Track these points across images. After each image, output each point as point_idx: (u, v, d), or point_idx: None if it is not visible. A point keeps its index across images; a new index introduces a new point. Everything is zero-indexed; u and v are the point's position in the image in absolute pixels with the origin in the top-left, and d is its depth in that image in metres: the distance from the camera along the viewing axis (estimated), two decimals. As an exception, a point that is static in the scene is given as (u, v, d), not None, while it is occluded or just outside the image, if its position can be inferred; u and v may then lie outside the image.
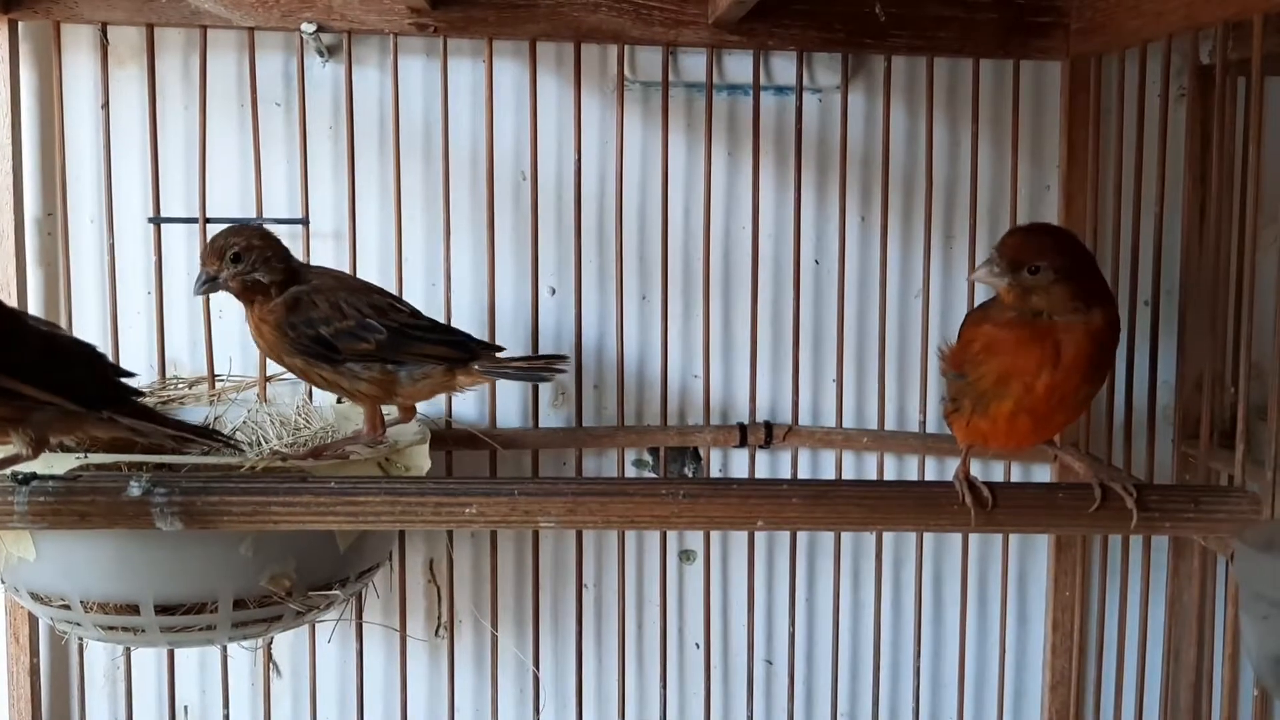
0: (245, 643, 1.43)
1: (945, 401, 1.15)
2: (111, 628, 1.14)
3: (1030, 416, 1.07)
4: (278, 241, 1.23)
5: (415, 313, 1.25)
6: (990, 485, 1.08)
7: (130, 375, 1.07)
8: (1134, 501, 1.07)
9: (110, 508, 1.01)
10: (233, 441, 1.17)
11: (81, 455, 1.09)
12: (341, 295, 1.21)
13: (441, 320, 1.37)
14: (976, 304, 1.47)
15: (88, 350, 1.04)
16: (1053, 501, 1.09)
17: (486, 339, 1.42)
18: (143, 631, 1.13)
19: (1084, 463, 1.20)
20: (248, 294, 1.20)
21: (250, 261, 1.19)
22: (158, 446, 1.21)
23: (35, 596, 1.14)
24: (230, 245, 1.19)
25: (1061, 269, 1.02)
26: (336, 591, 1.18)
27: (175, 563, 1.10)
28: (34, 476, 1.01)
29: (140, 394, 1.07)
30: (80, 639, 1.44)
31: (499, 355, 1.26)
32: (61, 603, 1.13)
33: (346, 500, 1.03)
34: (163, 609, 1.12)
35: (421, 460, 1.22)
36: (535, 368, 1.25)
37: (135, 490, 1.01)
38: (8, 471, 0.99)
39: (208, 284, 1.19)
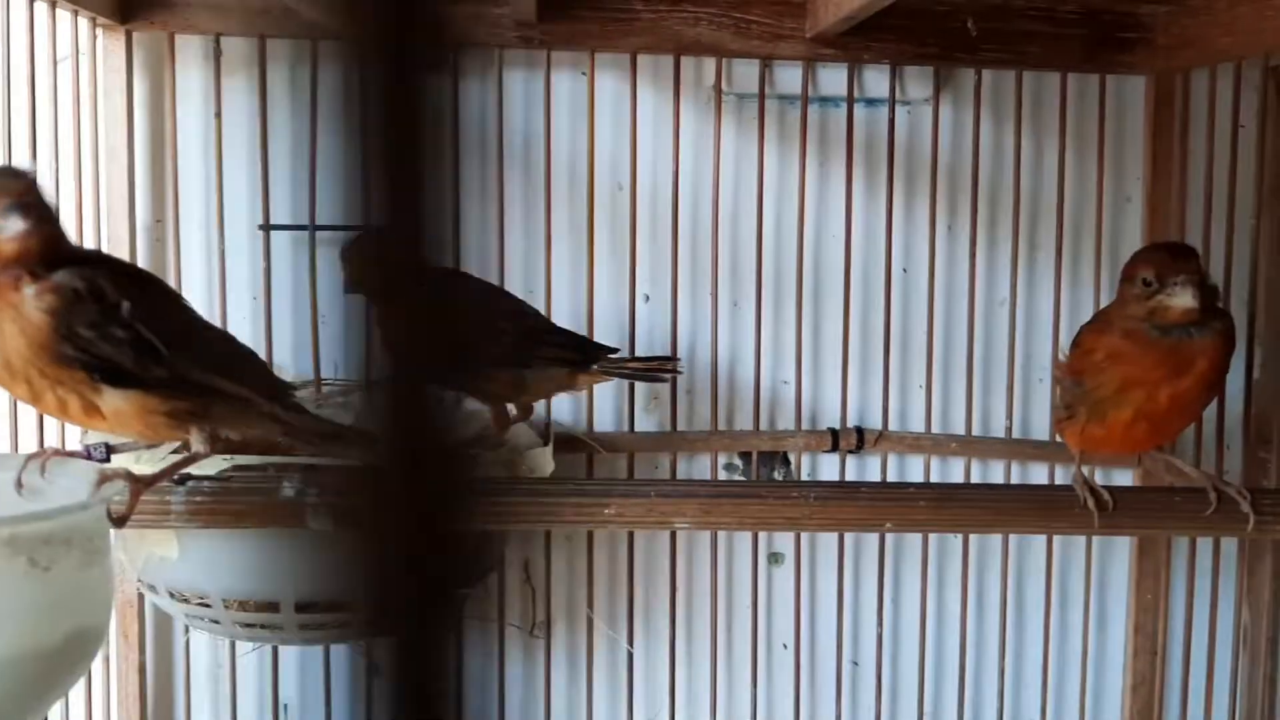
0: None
1: (1057, 409, 1.18)
2: (249, 625, 1.16)
3: (1149, 424, 1.10)
4: None
5: (537, 314, 1.28)
6: (1109, 489, 1.11)
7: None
8: (1249, 505, 1.11)
9: (265, 507, 1.04)
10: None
11: (228, 457, 1.11)
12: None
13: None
14: (1059, 312, 1.52)
15: (247, 348, 1.07)
16: (1170, 505, 1.12)
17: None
18: (280, 629, 1.16)
19: (1197, 468, 1.23)
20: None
21: None
22: (271, 445, 1.24)
23: (174, 594, 1.17)
24: None
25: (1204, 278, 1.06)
26: (466, 590, 1.21)
27: (317, 562, 1.13)
28: (190, 477, 1.04)
29: (296, 388, 1.10)
30: (186, 633, 1.47)
31: (612, 357, 1.29)
32: (201, 600, 1.16)
33: (491, 500, 1.06)
34: (300, 607, 1.15)
35: (545, 463, 1.25)
36: (650, 369, 1.29)
37: (289, 490, 1.04)
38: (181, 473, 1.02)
39: None
